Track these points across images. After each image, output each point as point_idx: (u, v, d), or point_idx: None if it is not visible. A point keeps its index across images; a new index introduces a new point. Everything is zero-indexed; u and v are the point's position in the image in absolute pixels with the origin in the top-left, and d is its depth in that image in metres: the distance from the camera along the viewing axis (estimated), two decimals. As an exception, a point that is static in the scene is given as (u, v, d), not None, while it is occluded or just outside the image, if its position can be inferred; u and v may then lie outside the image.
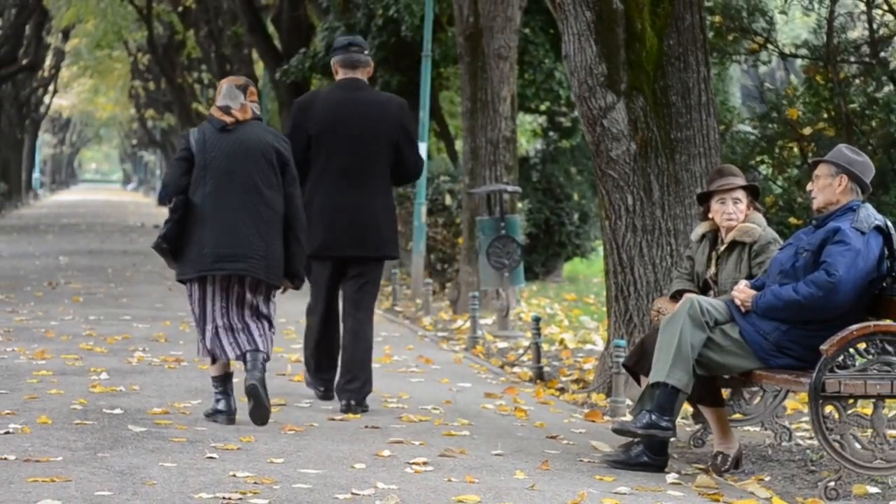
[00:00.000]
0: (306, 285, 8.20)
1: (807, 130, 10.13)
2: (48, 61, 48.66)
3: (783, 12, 10.91)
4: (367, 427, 7.45)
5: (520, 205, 16.29)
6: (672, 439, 6.76)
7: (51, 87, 54.90)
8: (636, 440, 6.67)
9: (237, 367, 7.59)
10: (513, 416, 8.12)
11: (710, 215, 7.15)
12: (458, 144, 20.85)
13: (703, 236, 7.22)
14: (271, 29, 27.66)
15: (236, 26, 30.91)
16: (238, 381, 7.59)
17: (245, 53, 31.71)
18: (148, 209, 53.94)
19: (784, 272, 6.55)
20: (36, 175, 67.58)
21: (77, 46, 46.37)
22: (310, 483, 5.90)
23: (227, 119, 7.49)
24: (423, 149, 15.68)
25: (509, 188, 13.63)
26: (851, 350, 6.15)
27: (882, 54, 10.38)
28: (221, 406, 7.46)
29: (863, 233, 6.40)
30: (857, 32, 10.71)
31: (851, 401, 6.13)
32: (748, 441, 7.56)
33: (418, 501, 5.63)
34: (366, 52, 8.32)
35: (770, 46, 10.89)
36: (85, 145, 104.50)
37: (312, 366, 8.44)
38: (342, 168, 8.12)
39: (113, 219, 42.88)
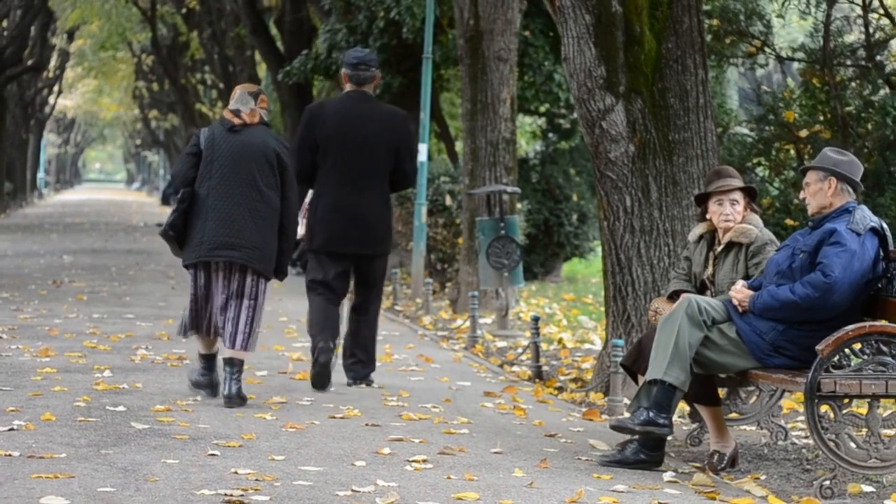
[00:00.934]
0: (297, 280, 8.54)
1: (803, 133, 10.18)
2: (53, 62, 48.71)
3: (780, 16, 10.96)
4: (367, 425, 7.47)
5: (519, 205, 16.32)
6: (669, 438, 6.78)
7: (56, 88, 54.90)
8: (633, 438, 6.70)
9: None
10: (512, 414, 8.13)
11: (708, 216, 7.17)
12: (459, 146, 20.88)
13: (701, 237, 7.24)
14: (274, 31, 27.72)
15: (239, 28, 30.96)
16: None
17: (248, 55, 31.72)
18: (151, 209, 53.90)
19: (781, 273, 6.57)
20: (41, 174, 67.60)
21: (82, 47, 46.39)
22: (310, 480, 5.92)
23: (236, 121, 8.16)
24: (423, 150, 15.74)
25: (509, 189, 13.66)
26: (847, 350, 6.17)
27: (878, 58, 10.43)
28: (205, 381, 8.22)
29: (858, 234, 6.43)
30: (854, 36, 10.76)
31: (847, 400, 6.14)
32: (744, 440, 7.57)
33: (418, 498, 5.65)
34: (373, 68, 9.07)
35: (767, 50, 10.94)
36: (89, 145, 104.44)
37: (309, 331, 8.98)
38: (346, 172, 8.87)
39: (116, 218, 42.82)
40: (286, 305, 14.85)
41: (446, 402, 8.49)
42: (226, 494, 5.53)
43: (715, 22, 10.78)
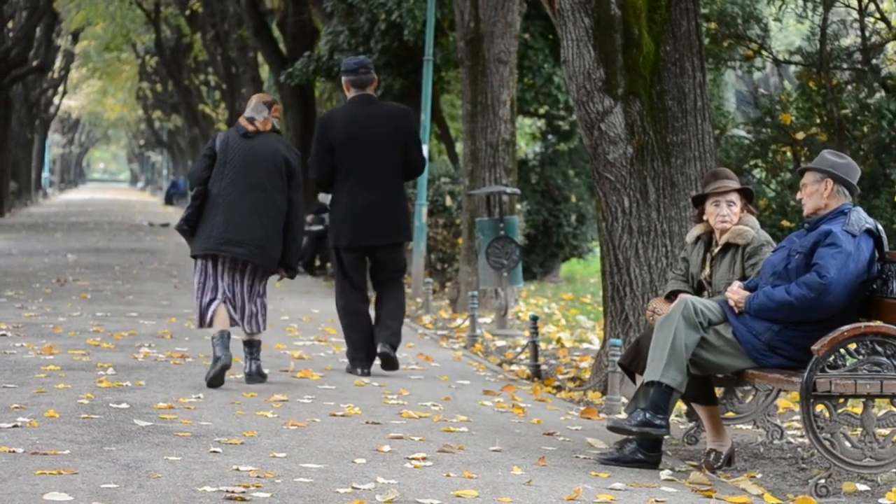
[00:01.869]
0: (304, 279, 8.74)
1: (800, 135, 10.22)
2: (58, 63, 48.75)
3: (777, 19, 11.00)
4: (367, 423, 7.48)
5: (518, 206, 16.38)
6: (666, 437, 6.79)
7: (60, 89, 54.99)
8: (630, 438, 6.74)
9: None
10: (510, 413, 8.14)
11: (705, 217, 7.18)
12: (459, 147, 20.92)
13: (698, 238, 7.24)
14: (276, 33, 27.75)
15: (242, 30, 30.98)
16: (237, 339, 9.10)
17: (250, 56, 31.73)
18: (154, 208, 53.87)
19: (777, 274, 6.58)
20: (45, 174, 67.60)
21: (86, 48, 46.40)
22: (311, 477, 5.94)
23: (250, 128, 8.86)
24: (424, 151, 15.78)
25: (508, 190, 13.70)
26: (842, 350, 6.17)
27: (874, 61, 10.46)
28: (219, 353, 8.57)
29: (854, 236, 6.44)
30: (850, 40, 10.80)
31: (842, 400, 6.15)
32: (741, 439, 7.60)
33: (418, 496, 5.66)
34: (371, 71, 9.69)
35: (764, 53, 10.98)
36: (93, 145, 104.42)
37: (350, 349, 9.64)
38: (361, 172, 9.51)
39: (120, 217, 42.74)
40: (287, 304, 14.90)
41: (446, 400, 8.51)
42: (227, 491, 5.55)
43: (713, 25, 10.82)
